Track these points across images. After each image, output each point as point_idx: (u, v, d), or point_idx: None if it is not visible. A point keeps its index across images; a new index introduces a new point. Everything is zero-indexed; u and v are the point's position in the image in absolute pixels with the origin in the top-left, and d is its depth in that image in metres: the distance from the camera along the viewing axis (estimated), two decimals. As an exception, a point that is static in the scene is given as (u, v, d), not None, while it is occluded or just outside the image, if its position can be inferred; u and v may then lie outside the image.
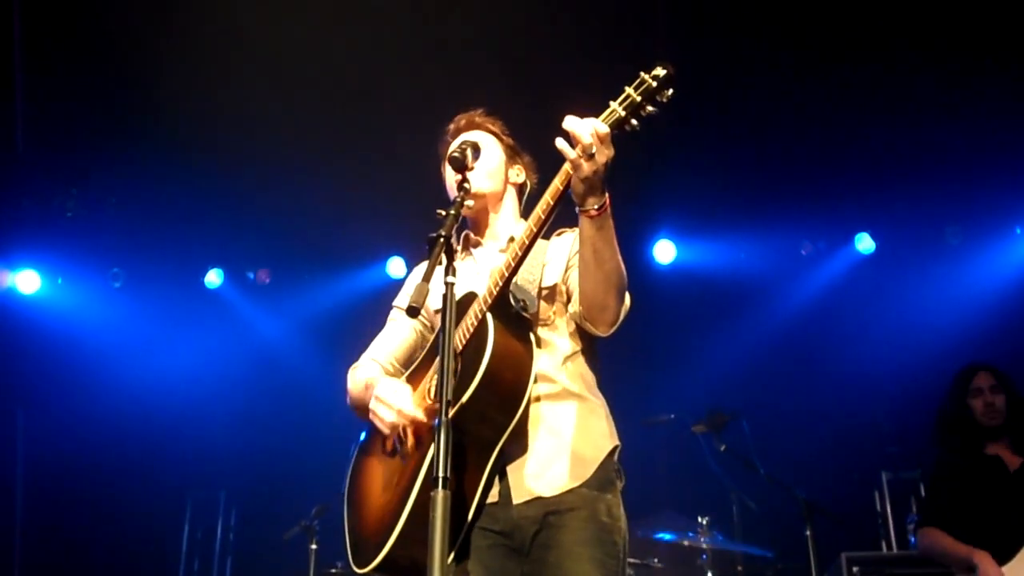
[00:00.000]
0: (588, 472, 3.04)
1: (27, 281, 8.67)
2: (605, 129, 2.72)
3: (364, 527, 3.15)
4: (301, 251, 8.64)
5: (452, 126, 3.49)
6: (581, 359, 3.19)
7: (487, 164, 3.30)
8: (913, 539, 6.88)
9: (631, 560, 6.35)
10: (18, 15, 7.11)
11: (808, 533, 5.83)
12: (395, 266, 8.34)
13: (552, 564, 2.92)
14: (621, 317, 3.07)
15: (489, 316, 2.92)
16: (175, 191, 8.19)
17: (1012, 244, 8.30)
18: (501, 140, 3.45)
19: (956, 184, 7.89)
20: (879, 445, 7.89)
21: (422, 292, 2.61)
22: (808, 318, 8.34)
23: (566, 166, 2.81)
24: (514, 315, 3.05)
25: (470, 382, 2.83)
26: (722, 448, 6.36)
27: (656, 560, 6.60)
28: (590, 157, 2.72)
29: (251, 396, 8.28)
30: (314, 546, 6.58)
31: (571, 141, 2.73)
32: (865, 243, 8.47)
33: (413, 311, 2.62)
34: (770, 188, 8.00)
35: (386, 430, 3.08)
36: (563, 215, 3.24)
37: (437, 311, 3.15)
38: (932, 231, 8.29)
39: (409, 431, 3.07)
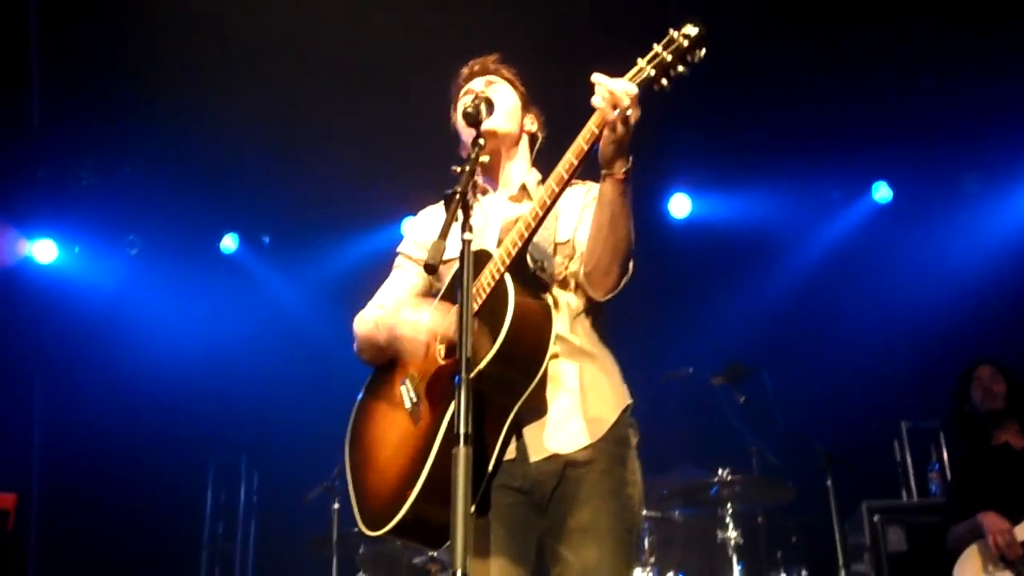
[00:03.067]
0: (604, 429, 3.04)
1: (44, 250, 8.70)
2: (636, 90, 2.68)
3: (374, 488, 3.10)
4: (316, 213, 8.63)
5: (466, 70, 3.42)
6: (592, 315, 3.17)
7: (504, 105, 3.25)
8: (934, 488, 6.92)
9: (651, 513, 6.39)
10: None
11: (828, 483, 5.85)
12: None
13: (570, 516, 2.93)
14: (621, 285, 3.03)
15: (508, 278, 2.86)
16: (189, 157, 8.17)
17: (1030, 192, 8.24)
18: (515, 87, 3.39)
19: (973, 131, 7.81)
20: (898, 394, 7.88)
21: (439, 249, 2.59)
22: (826, 269, 8.31)
23: (591, 125, 2.78)
24: (531, 276, 3.02)
25: (489, 347, 2.78)
26: (741, 400, 6.36)
27: (677, 513, 6.64)
28: (624, 119, 2.69)
29: (269, 359, 8.31)
30: (336, 506, 6.62)
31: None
32: (882, 192, 8.42)
33: (431, 268, 2.60)
34: (785, 139, 7.94)
35: (415, 350, 3.02)
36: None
37: (445, 261, 2.98)
38: (950, 179, 8.22)
39: (422, 387, 3.03)
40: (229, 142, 7.88)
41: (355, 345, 3.30)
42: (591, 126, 2.78)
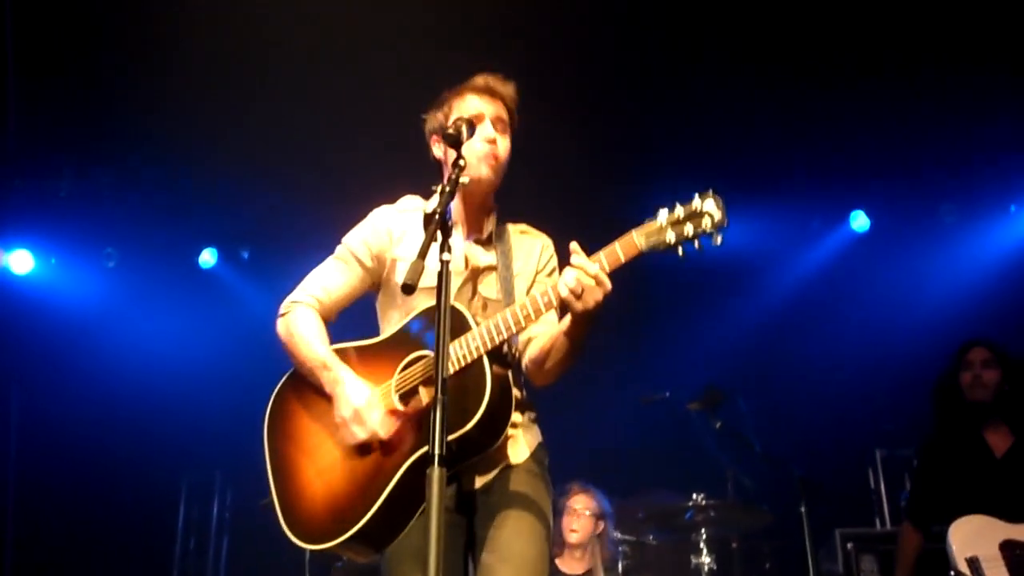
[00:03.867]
0: (526, 453, 3.26)
1: (20, 261, 8.65)
2: (606, 289, 2.90)
3: (310, 502, 3.18)
4: (296, 229, 8.60)
5: (480, 81, 3.38)
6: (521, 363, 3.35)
7: (504, 158, 3.33)
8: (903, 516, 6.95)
9: (626, 537, 6.40)
10: (10, -6, 7.06)
11: (803, 510, 5.85)
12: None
13: (496, 524, 3.10)
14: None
15: (487, 363, 2.98)
16: (169, 170, 8.15)
17: (1007, 222, 8.31)
18: (512, 120, 3.41)
19: (951, 162, 7.89)
20: (873, 422, 7.91)
21: (417, 270, 2.61)
22: (803, 296, 8.36)
23: (553, 295, 2.96)
24: (503, 357, 3.15)
25: (460, 426, 2.89)
26: (717, 426, 6.37)
27: (651, 537, 6.63)
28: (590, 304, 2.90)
29: (245, 375, 8.22)
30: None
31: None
32: (860, 221, 8.49)
33: (408, 289, 2.60)
34: (764, 167, 7.99)
35: (351, 442, 3.10)
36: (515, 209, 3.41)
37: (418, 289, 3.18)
38: (927, 209, 8.29)
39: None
40: (209, 156, 7.85)
41: (286, 338, 3.35)
42: (552, 295, 2.96)
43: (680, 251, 2.88)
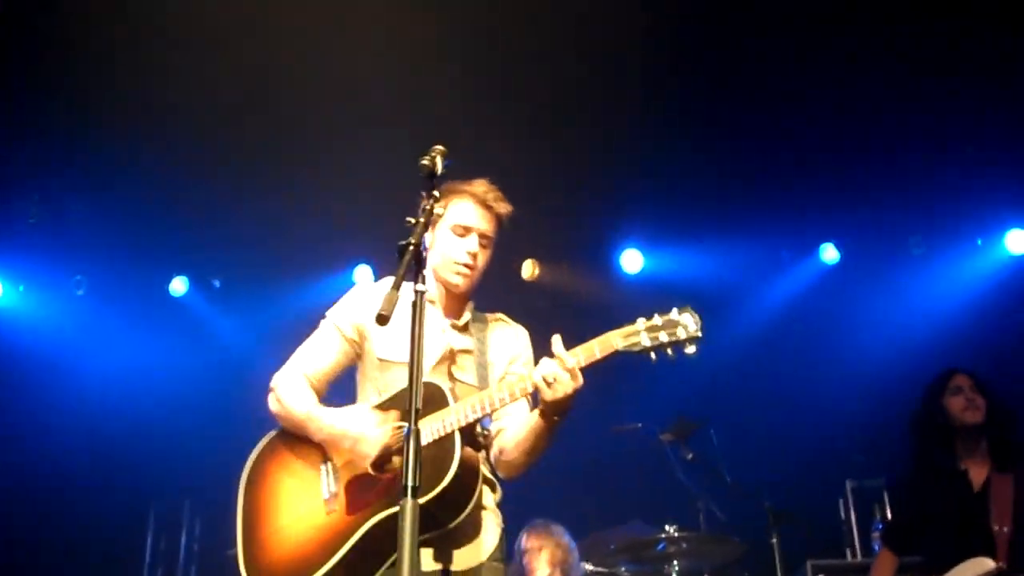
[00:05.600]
0: (492, 545, 3.34)
1: (-12, 288, 8.57)
2: (578, 385, 3.09)
3: (269, 554, 3.31)
4: (267, 259, 8.58)
5: (482, 191, 3.54)
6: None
7: (480, 269, 3.52)
8: (876, 547, 6.95)
9: (598, 569, 6.37)
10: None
11: (774, 541, 5.86)
12: (361, 273, 8.31)
13: None
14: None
15: (457, 439, 3.10)
16: (139, 198, 8.11)
17: (973, 255, 8.40)
18: (498, 235, 3.58)
19: (919, 195, 7.98)
20: (844, 453, 7.94)
21: (392, 300, 2.64)
22: (773, 328, 8.40)
23: (528, 383, 3.14)
24: (474, 438, 3.28)
25: (423, 495, 2.91)
26: (689, 457, 6.38)
27: (624, 569, 6.60)
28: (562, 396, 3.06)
29: (215, 404, 8.19)
30: None
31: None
32: (830, 253, 8.55)
33: (382, 319, 2.63)
34: (735, 199, 8.06)
35: (365, 463, 3.22)
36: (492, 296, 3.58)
37: (381, 359, 3.46)
38: (896, 241, 8.37)
39: (343, 482, 3.28)
40: (181, 184, 7.84)
41: (276, 410, 3.51)
42: (528, 383, 3.13)
43: (652, 356, 3.08)
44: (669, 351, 3.07)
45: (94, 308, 8.68)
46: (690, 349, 3.08)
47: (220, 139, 7.56)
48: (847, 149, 7.79)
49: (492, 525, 3.37)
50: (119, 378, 8.33)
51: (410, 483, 2.48)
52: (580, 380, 3.06)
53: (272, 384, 3.54)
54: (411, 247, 2.75)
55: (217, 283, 8.97)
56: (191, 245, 8.64)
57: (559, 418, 3.16)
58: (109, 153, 7.78)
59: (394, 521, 2.56)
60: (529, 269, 8.29)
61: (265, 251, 8.49)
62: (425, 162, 3.02)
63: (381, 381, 3.44)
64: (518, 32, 7.00)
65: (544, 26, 6.94)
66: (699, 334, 3.07)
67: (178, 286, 8.89)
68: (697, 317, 3.09)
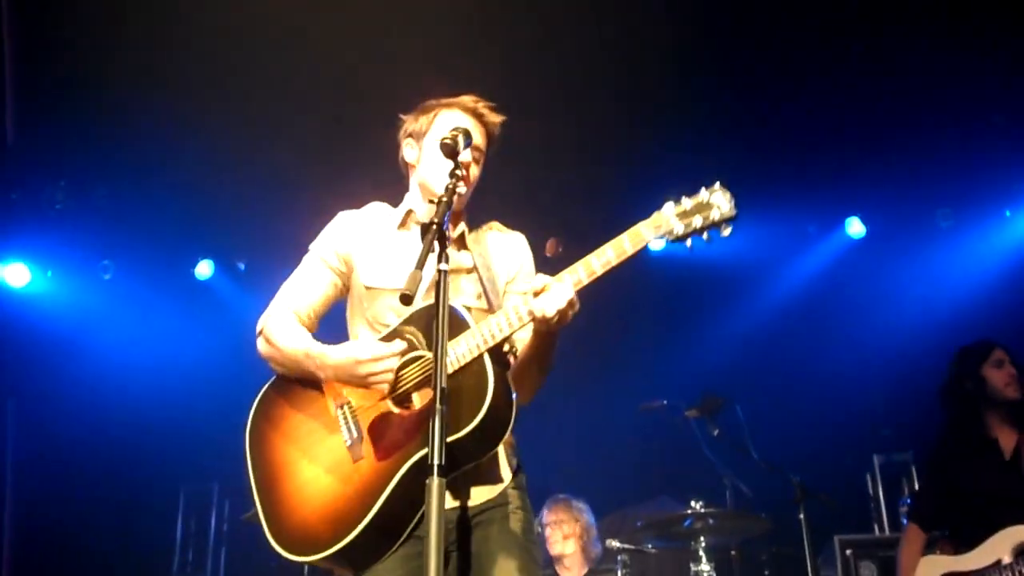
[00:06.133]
0: (508, 479, 3.16)
1: (16, 274, 8.63)
2: (572, 297, 2.86)
3: (296, 513, 3.09)
4: (292, 241, 8.57)
5: (470, 101, 3.37)
6: None
7: (473, 181, 3.32)
8: (905, 521, 6.93)
9: (625, 546, 6.39)
10: (6, 8, 7.06)
11: (801, 516, 5.85)
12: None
13: (484, 555, 3.01)
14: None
15: (488, 361, 2.90)
16: (164, 182, 8.14)
17: (1002, 226, 8.33)
18: (490, 150, 3.40)
19: (946, 167, 7.89)
20: (871, 428, 7.91)
21: (415, 279, 2.60)
22: (800, 303, 8.36)
23: (526, 317, 2.92)
24: (502, 356, 3.10)
25: (459, 428, 2.82)
26: (715, 433, 6.37)
27: (651, 545, 6.62)
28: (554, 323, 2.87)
29: (242, 387, 8.20)
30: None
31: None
32: (855, 227, 8.49)
33: (407, 299, 2.59)
34: (760, 173, 7.99)
35: (383, 387, 3.04)
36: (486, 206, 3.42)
37: (368, 287, 3.25)
38: (923, 214, 8.31)
39: (365, 424, 3.06)
40: (206, 167, 7.86)
41: (267, 351, 3.32)
42: (524, 318, 2.92)
43: (689, 243, 2.88)
44: (705, 236, 2.88)
45: (121, 292, 8.73)
46: (726, 231, 2.86)
47: (245, 122, 7.57)
48: (872, 122, 7.72)
49: (508, 455, 3.20)
50: (147, 362, 8.38)
51: (435, 460, 2.43)
52: (574, 305, 2.87)
53: (259, 326, 3.36)
54: (433, 226, 2.69)
55: (242, 266, 9.00)
56: (216, 228, 8.68)
57: (552, 336, 2.99)
58: (134, 138, 7.81)
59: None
60: (552, 247, 8.28)
61: (289, 232, 8.47)
62: (447, 140, 3.01)
63: (371, 311, 3.24)
64: (541, 13, 6.99)
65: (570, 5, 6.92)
66: (734, 213, 2.84)
67: (204, 269, 8.94)
68: (729, 194, 2.86)
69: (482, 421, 2.82)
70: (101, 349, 8.47)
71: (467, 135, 3.08)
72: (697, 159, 7.91)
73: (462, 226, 3.36)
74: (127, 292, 8.71)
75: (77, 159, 8.19)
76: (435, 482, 2.42)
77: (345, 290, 3.39)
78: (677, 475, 7.36)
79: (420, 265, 2.63)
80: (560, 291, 2.84)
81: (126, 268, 8.80)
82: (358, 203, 3.57)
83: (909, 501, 7.03)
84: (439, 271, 2.69)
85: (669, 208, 2.90)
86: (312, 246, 3.46)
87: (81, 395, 8.19)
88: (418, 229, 3.17)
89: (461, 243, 3.32)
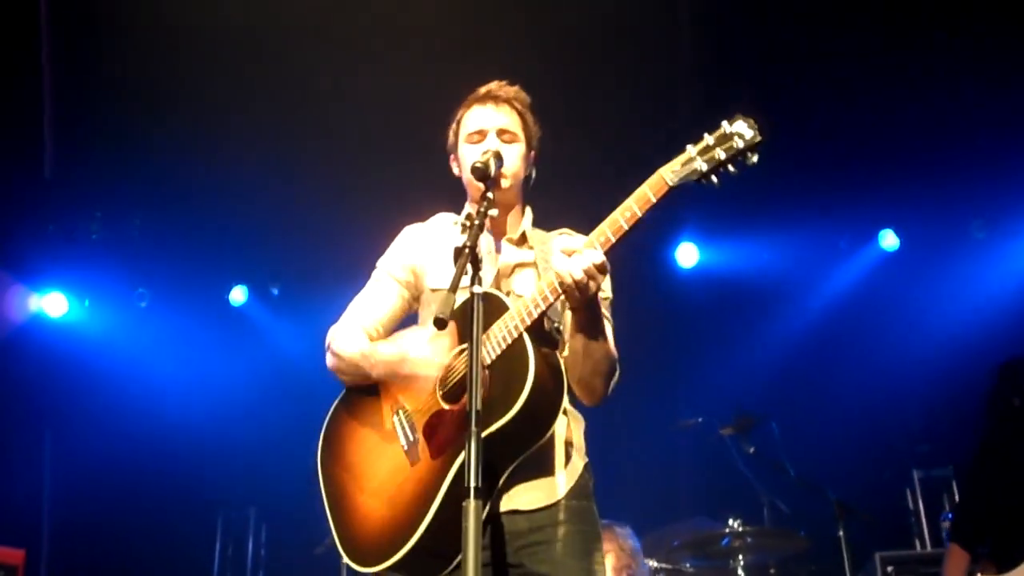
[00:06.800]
0: (569, 484, 3.06)
1: (54, 304, 8.72)
2: (601, 259, 2.75)
3: (363, 523, 3.08)
4: (325, 265, 8.65)
5: (483, 90, 3.34)
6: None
7: (512, 164, 3.21)
8: (946, 536, 6.85)
9: (662, 565, 6.34)
10: (45, 43, 7.19)
11: (840, 533, 5.80)
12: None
13: (548, 555, 2.93)
14: (609, 393, 3.08)
15: (527, 339, 2.83)
16: (198, 210, 8.23)
17: (1039, 237, 8.24)
18: (527, 129, 3.32)
19: (980, 177, 7.82)
20: (910, 443, 7.84)
21: (448, 303, 2.58)
22: (834, 317, 8.30)
23: (548, 289, 2.83)
24: (546, 335, 3.02)
25: (505, 406, 2.76)
26: (751, 450, 6.34)
27: (688, 564, 6.58)
28: (583, 287, 2.76)
29: (278, 412, 8.28)
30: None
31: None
32: (889, 240, 8.43)
33: (441, 323, 2.56)
34: (791, 188, 7.97)
35: (420, 388, 3.02)
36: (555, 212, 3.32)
37: (434, 290, 3.21)
38: (957, 226, 8.23)
39: (420, 426, 3.02)
40: (239, 195, 7.93)
41: (332, 362, 3.29)
42: (548, 291, 2.82)
43: (715, 179, 2.74)
44: (731, 167, 2.73)
45: (157, 320, 8.80)
46: (753, 158, 2.74)
47: (276, 150, 7.65)
48: (904, 133, 7.68)
49: (571, 458, 3.07)
50: (183, 388, 8.44)
51: (472, 483, 2.40)
52: (603, 271, 2.76)
53: (327, 341, 3.33)
54: (466, 250, 2.66)
55: (276, 291, 9.06)
56: (250, 254, 8.75)
57: (587, 310, 2.86)
58: (166, 169, 7.91)
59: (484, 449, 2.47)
60: None
61: (322, 257, 8.56)
62: (478, 165, 3.00)
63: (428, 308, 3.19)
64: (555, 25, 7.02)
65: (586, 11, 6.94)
66: (759, 138, 2.71)
67: (238, 295, 9.00)
68: (751, 120, 2.73)
69: (525, 404, 2.75)
70: (138, 376, 8.53)
71: (498, 155, 3.08)
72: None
73: (522, 225, 3.31)
74: (163, 319, 8.78)
75: (112, 190, 8.31)
76: (472, 505, 2.40)
77: (414, 302, 3.37)
78: (714, 493, 7.31)
79: (453, 288, 2.61)
80: (587, 253, 2.77)
81: (161, 296, 8.88)
82: (392, 225, 3.57)
83: (950, 516, 6.94)
84: (472, 294, 2.65)
85: (690, 149, 2.77)
86: (379, 261, 3.44)
87: (118, 423, 8.25)
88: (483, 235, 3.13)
89: (523, 241, 3.27)
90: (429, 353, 3.02)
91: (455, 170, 3.42)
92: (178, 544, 8.42)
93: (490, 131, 3.25)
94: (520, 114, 3.32)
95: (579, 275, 2.74)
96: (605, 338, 2.97)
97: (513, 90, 3.33)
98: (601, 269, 2.77)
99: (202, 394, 8.38)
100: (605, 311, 3.05)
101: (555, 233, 3.29)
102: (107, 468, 8.12)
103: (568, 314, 3.04)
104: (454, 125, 3.40)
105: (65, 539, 8.22)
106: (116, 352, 8.70)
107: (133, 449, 8.15)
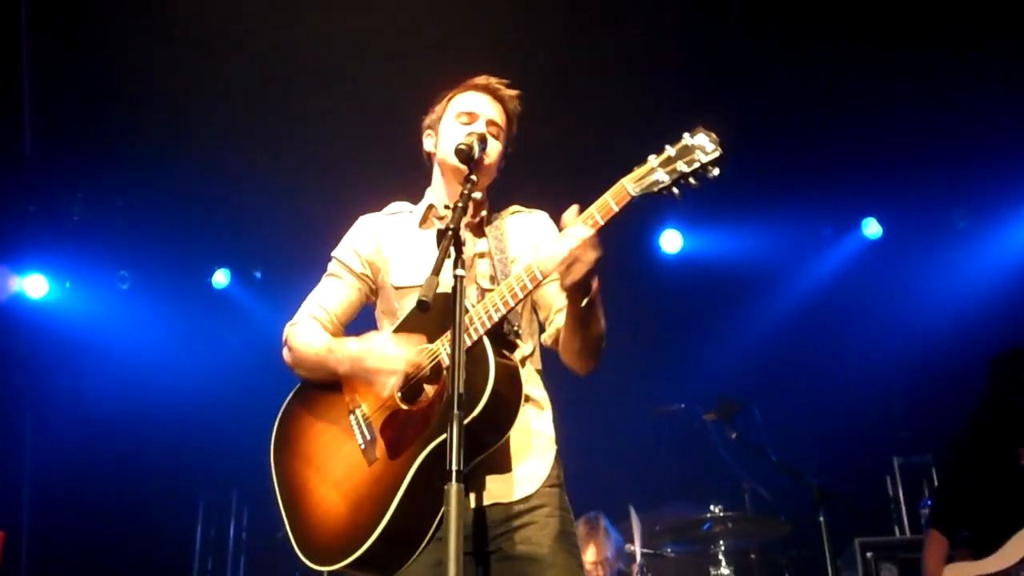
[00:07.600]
0: (544, 474, 3.10)
1: (35, 285, 8.68)
2: (590, 233, 2.75)
3: (318, 521, 3.08)
4: (309, 249, 8.60)
5: (483, 80, 3.36)
6: (536, 355, 3.25)
7: (492, 158, 3.25)
8: (925, 523, 6.90)
9: (644, 550, 6.37)
10: (25, 21, 7.12)
11: (821, 519, 5.83)
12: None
13: (524, 558, 2.95)
14: (599, 364, 3.11)
15: (487, 343, 2.85)
16: (180, 192, 8.19)
17: (1019, 226, 8.28)
18: (509, 133, 3.36)
19: (963, 167, 7.86)
20: (890, 430, 7.88)
21: (431, 285, 2.58)
22: (816, 305, 8.33)
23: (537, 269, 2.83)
24: (504, 338, 3.06)
25: (467, 413, 2.74)
26: (733, 436, 6.36)
27: (669, 549, 6.61)
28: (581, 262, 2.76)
29: (260, 395, 8.19)
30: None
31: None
32: (872, 228, 8.46)
33: (424, 305, 2.57)
34: (775, 176, 7.99)
35: (383, 385, 2.97)
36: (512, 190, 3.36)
37: (397, 287, 3.23)
38: (939, 215, 8.27)
39: (377, 426, 3.03)
40: (222, 178, 7.89)
41: (290, 357, 3.28)
42: (536, 269, 2.82)
43: (676, 192, 2.74)
44: (692, 180, 2.73)
45: (138, 302, 8.77)
46: (714, 172, 2.73)
47: (259, 133, 7.61)
48: (888, 122, 7.69)
49: (541, 448, 3.12)
50: (165, 371, 8.42)
51: (454, 467, 2.40)
52: (596, 250, 2.76)
53: (284, 336, 3.32)
54: (449, 232, 2.65)
55: (259, 274, 9.04)
56: (232, 238, 8.71)
57: (586, 299, 2.87)
58: (149, 150, 7.86)
59: (442, 452, 2.46)
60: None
61: (305, 240, 8.51)
62: (463, 146, 3.00)
63: (402, 309, 3.18)
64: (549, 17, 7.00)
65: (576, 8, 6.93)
66: (719, 152, 2.73)
67: (220, 278, 8.98)
68: (712, 135, 2.75)
69: (486, 406, 2.77)
70: (119, 359, 8.51)
71: (482, 139, 3.08)
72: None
73: (483, 212, 3.33)
74: (144, 302, 8.75)
75: (94, 171, 8.25)
76: (453, 488, 2.39)
77: (372, 293, 3.37)
78: (696, 479, 7.34)
79: (436, 271, 2.61)
80: (562, 243, 2.78)
81: (143, 278, 8.85)
82: (374, 209, 3.56)
83: (929, 503, 6.99)
84: (456, 277, 2.64)
85: (652, 160, 2.78)
86: (334, 253, 3.44)
87: (99, 405, 8.23)
88: (439, 224, 3.17)
89: (480, 230, 3.29)
90: (394, 350, 2.99)
91: (427, 145, 3.42)
92: (160, 526, 8.42)
93: (481, 117, 3.28)
94: (509, 118, 3.36)
95: (555, 267, 2.78)
96: (600, 315, 2.99)
97: (512, 93, 3.37)
98: (581, 253, 2.77)
99: (184, 377, 8.36)
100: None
101: (507, 212, 3.36)
102: (88, 450, 8.10)
103: (528, 316, 3.12)
104: (442, 103, 3.40)
105: (46, 520, 8.19)
106: (97, 334, 8.67)
107: (114, 431, 8.13)
